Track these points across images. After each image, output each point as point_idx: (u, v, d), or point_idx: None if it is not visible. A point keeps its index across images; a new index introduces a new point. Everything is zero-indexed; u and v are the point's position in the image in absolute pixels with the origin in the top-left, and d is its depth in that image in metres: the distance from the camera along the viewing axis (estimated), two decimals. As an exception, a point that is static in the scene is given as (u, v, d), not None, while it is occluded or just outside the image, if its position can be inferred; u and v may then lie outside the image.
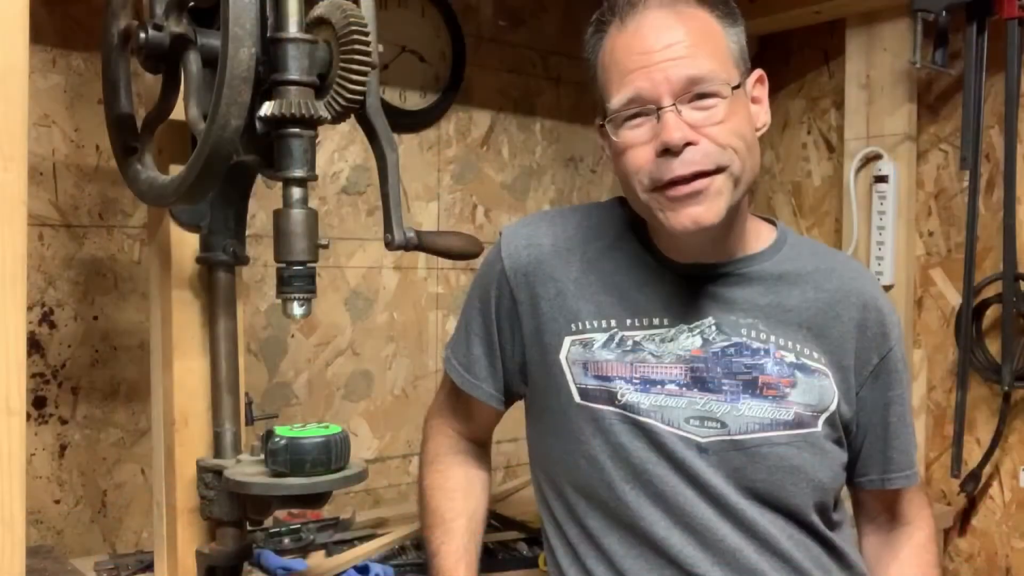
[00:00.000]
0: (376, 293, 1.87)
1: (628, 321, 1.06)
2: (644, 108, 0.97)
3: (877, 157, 1.99)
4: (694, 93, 0.96)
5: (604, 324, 1.07)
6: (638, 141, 0.98)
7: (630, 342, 1.06)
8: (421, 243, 1.06)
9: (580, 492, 1.08)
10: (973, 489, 1.90)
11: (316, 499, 0.99)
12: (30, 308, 1.44)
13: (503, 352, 1.13)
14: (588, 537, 1.07)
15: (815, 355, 1.06)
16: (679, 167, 0.96)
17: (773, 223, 1.14)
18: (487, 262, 1.15)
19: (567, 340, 1.07)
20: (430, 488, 1.19)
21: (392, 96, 1.86)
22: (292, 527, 1.53)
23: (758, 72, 1.05)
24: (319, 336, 1.80)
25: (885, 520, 1.17)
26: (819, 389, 1.05)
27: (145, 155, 1.03)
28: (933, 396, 2.02)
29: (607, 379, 1.05)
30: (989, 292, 1.86)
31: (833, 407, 1.05)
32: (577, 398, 1.06)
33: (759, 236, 1.10)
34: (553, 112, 2.15)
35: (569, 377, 1.07)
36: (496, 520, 1.68)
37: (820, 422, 1.04)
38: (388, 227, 1.03)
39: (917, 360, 2.03)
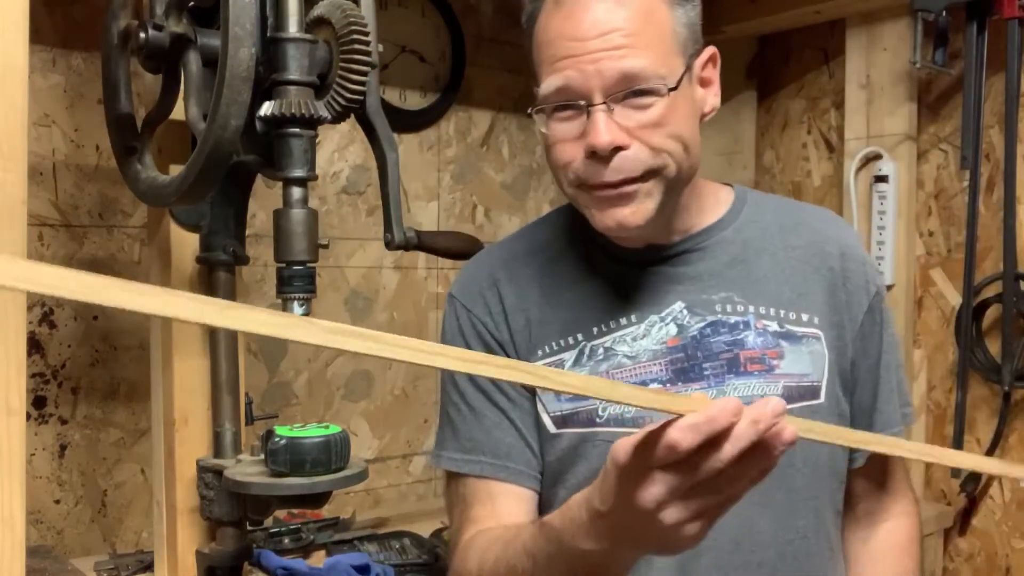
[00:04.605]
0: (376, 293, 1.87)
1: (595, 329, 0.98)
2: (574, 102, 0.88)
3: (877, 157, 1.99)
4: (628, 91, 0.87)
5: (571, 340, 0.98)
6: (567, 136, 0.90)
7: (600, 351, 0.97)
8: (421, 243, 1.06)
9: None
10: (973, 489, 1.90)
11: (316, 499, 0.99)
12: (30, 308, 1.44)
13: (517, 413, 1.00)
14: None
15: (804, 317, 0.97)
16: (607, 173, 0.88)
17: (731, 186, 1.06)
18: (451, 329, 1.04)
19: None
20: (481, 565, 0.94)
21: (392, 96, 1.86)
22: (292, 527, 1.53)
23: (710, 50, 0.94)
24: (319, 336, 1.79)
25: (864, 511, 1.07)
26: (810, 356, 0.96)
27: (145, 155, 1.03)
28: (933, 396, 2.02)
29: (583, 398, 0.94)
30: (989, 292, 1.86)
31: (827, 372, 0.97)
32: (552, 428, 0.97)
33: (717, 203, 1.02)
34: (553, 112, 2.15)
35: (541, 407, 0.98)
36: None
37: (823, 392, 0.96)
38: (388, 227, 1.03)
39: (917, 360, 2.03)
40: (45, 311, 1.46)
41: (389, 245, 1.04)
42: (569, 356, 0.98)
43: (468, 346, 1.01)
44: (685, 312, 0.97)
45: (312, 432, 0.96)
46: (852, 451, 1.03)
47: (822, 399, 0.96)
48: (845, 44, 2.05)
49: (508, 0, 2.05)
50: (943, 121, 1.98)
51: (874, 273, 1.04)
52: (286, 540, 1.51)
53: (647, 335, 0.97)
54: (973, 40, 1.80)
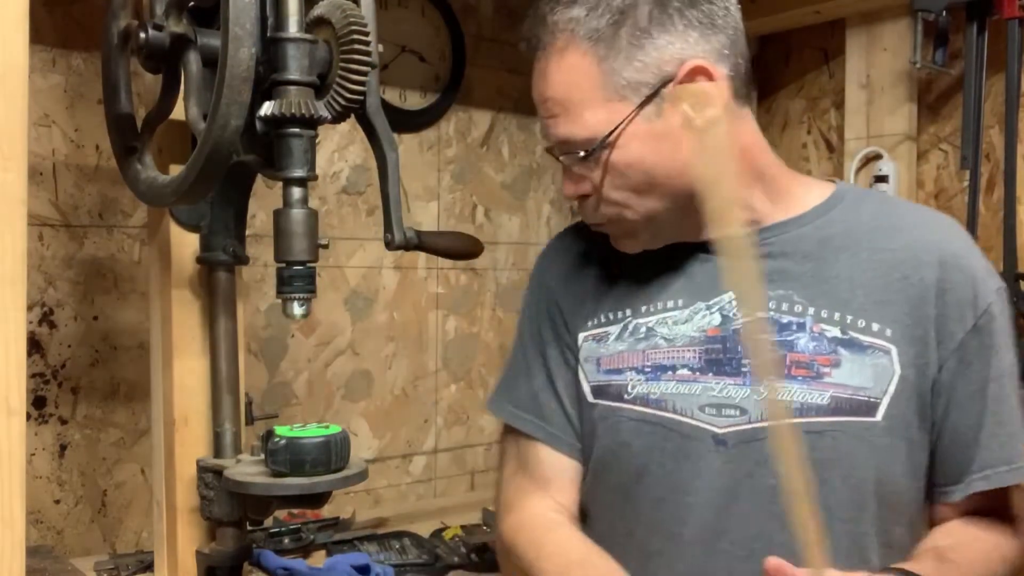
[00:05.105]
0: (376, 293, 1.87)
1: (644, 308, 1.00)
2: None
3: (877, 157, 1.98)
4: (568, 154, 0.94)
5: (620, 315, 1.01)
6: None
7: (643, 329, 0.99)
8: (421, 243, 1.06)
9: (588, 499, 1.02)
10: (973, 489, 1.90)
11: (316, 499, 0.99)
12: (30, 308, 1.44)
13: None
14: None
15: (875, 327, 0.91)
16: (583, 214, 0.99)
17: (834, 183, 1.03)
18: (533, 274, 1.12)
19: (581, 336, 1.03)
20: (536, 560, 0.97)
21: (392, 96, 1.86)
22: (292, 527, 1.53)
23: (688, 67, 0.90)
24: (319, 336, 1.80)
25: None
26: (873, 369, 0.90)
27: (145, 155, 1.03)
28: (933, 396, 2.01)
29: (618, 372, 0.99)
30: (989, 292, 1.86)
31: (892, 389, 0.90)
32: (590, 397, 1.00)
33: (804, 199, 0.99)
34: (553, 112, 2.15)
35: (583, 375, 1.02)
36: (493, 520, 1.67)
37: (881, 411, 0.90)
38: (388, 227, 1.03)
39: (917, 360, 2.02)
40: (45, 311, 1.46)
41: (389, 245, 1.03)
42: (614, 330, 1.01)
43: (534, 295, 1.09)
44: (734, 304, 0.96)
45: (312, 432, 0.96)
46: (940, 484, 0.96)
47: (878, 418, 0.90)
48: (845, 44, 2.04)
49: (508, 0, 2.05)
50: (943, 121, 1.98)
51: (987, 289, 0.94)
52: (286, 540, 1.51)
53: (689, 320, 0.97)
54: (973, 40, 1.80)
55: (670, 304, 0.99)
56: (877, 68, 1.99)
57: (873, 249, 0.95)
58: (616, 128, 0.91)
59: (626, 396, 0.97)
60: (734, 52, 0.94)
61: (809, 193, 1.01)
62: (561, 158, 0.95)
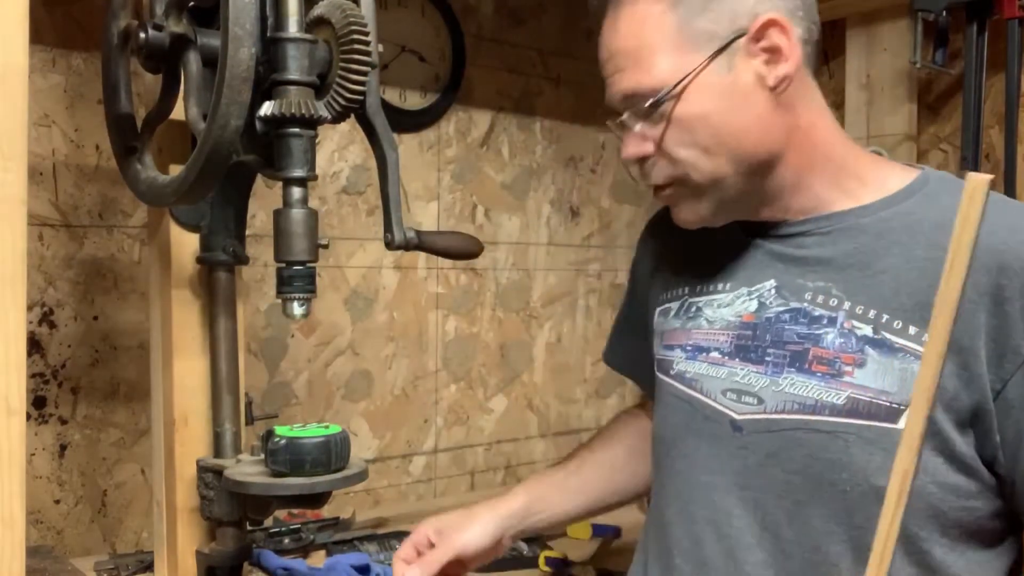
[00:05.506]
0: (376, 293, 1.87)
1: (698, 287, 1.03)
2: (615, 117, 0.96)
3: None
4: (635, 109, 0.91)
5: (680, 292, 1.06)
6: None
7: (693, 308, 1.02)
8: (421, 243, 1.06)
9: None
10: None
11: (316, 499, 0.99)
12: (30, 308, 1.44)
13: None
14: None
15: (911, 331, 0.85)
16: (644, 178, 0.96)
17: (920, 169, 0.95)
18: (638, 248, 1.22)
19: (656, 311, 1.10)
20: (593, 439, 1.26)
21: (392, 96, 1.86)
22: (292, 527, 1.53)
23: (762, 19, 0.88)
24: (319, 336, 1.80)
25: None
26: (900, 374, 0.84)
27: (145, 155, 1.03)
28: (933, 396, 2.01)
29: (670, 348, 1.04)
30: (989, 292, 1.85)
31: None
32: (655, 368, 1.07)
33: (878, 186, 0.93)
34: (553, 112, 2.15)
35: (653, 349, 1.09)
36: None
37: (904, 419, 0.77)
38: (388, 227, 1.03)
39: (917, 360, 2.02)
40: (45, 311, 1.46)
41: (389, 245, 1.03)
42: (674, 306, 1.07)
43: (632, 264, 1.22)
44: (773, 291, 0.95)
45: (312, 432, 0.96)
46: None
47: (900, 425, 0.82)
48: (845, 44, 2.04)
49: (508, 0, 2.05)
50: (943, 121, 1.98)
51: None
52: (286, 540, 1.51)
53: (730, 305, 0.99)
54: (973, 40, 1.80)
55: (719, 287, 1.01)
56: (877, 68, 1.99)
57: (931, 246, 0.86)
58: (685, 77, 0.89)
59: (671, 372, 1.03)
60: (807, 17, 0.92)
61: (888, 180, 0.94)
62: (624, 115, 0.92)
